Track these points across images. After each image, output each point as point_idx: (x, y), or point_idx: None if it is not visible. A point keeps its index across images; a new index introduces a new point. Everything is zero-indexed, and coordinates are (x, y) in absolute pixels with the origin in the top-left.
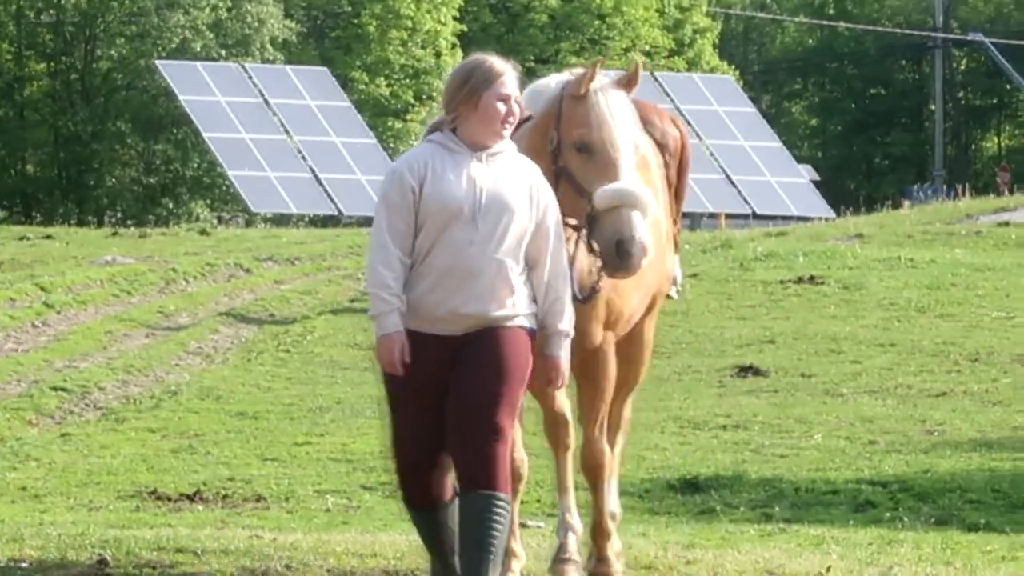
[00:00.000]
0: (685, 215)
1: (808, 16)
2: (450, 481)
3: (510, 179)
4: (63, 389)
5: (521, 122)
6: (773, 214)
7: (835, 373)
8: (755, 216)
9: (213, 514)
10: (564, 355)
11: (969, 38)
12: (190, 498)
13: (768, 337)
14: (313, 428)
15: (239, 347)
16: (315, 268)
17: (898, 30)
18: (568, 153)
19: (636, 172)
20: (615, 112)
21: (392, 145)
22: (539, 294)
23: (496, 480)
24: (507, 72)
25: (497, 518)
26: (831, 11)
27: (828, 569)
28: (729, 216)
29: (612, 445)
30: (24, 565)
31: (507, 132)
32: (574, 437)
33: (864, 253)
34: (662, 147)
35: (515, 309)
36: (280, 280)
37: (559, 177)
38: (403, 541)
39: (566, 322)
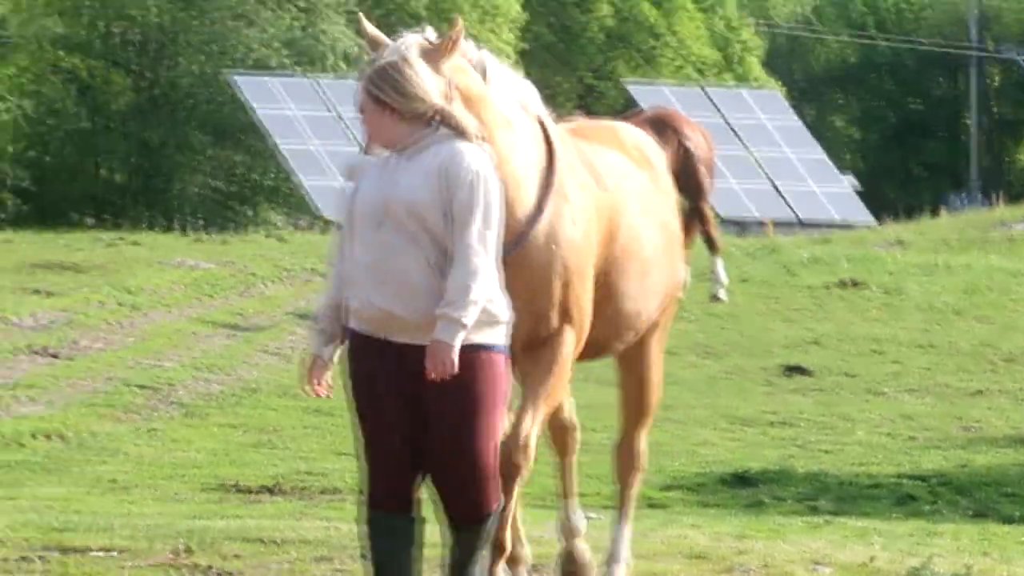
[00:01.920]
0: (735, 223)
1: (849, 32)
2: (417, 493)
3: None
4: (148, 387)
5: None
6: (817, 221)
7: (877, 373)
8: (800, 223)
9: (291, 506)
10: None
11: (1002, 55)
12: (269, 490)
13: (813, 338)
14: None
15: None
16: None
17: (935, 47)
18: None
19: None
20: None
21: None
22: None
23: (482, 513)
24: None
25: (483, 538)
26: (871, 27)
27: (872, 559)
28: (776, 223)
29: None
30: (114, 554)
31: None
32: (578, 440)
33: (904, 259)
34: (696, 157)
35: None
36: None
37: None
38: None
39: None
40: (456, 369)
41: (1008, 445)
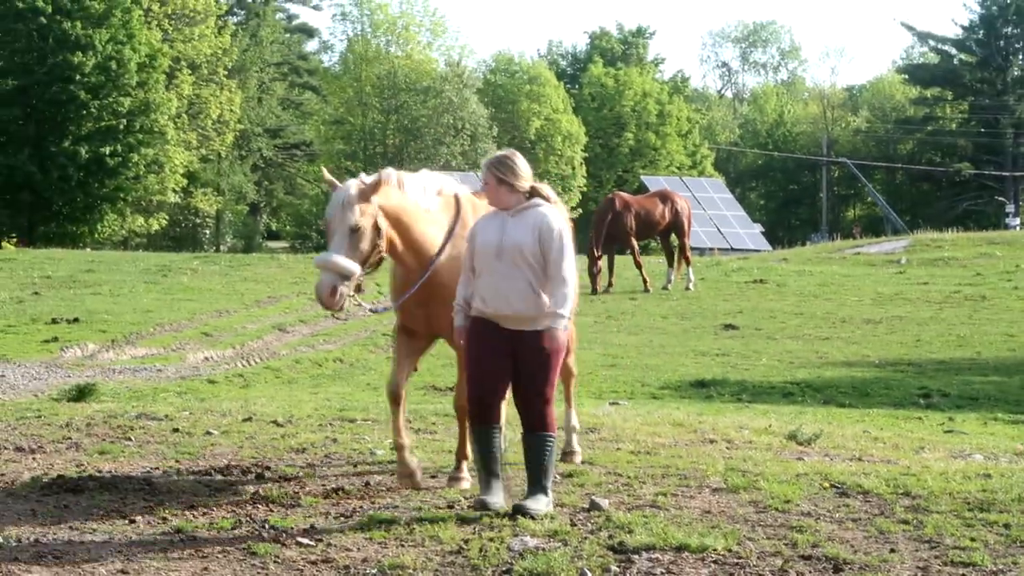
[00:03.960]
0: (697, 250)
1: (757, 148)
2: (502, 412)
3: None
4: (387, 334)
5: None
6: (742, 248)
7: (772, 328)
8: (732, 249)
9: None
10: (559, 327)
11: (838, 160)
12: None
13: (738, 310)
14: None
15: None
16: None
17: (804, 155)
18: None
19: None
20: (333, 207)
21: None
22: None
23: (545, 425)
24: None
25: (547, 448)
26: (770, 146)
27: (770, 426)
28: (719, 250)
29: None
30: (369, 421)
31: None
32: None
33: (787, 268)
34: (682, 214)
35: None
36: None
37: None
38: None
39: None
40: (560, 343)
41: (842, 366)
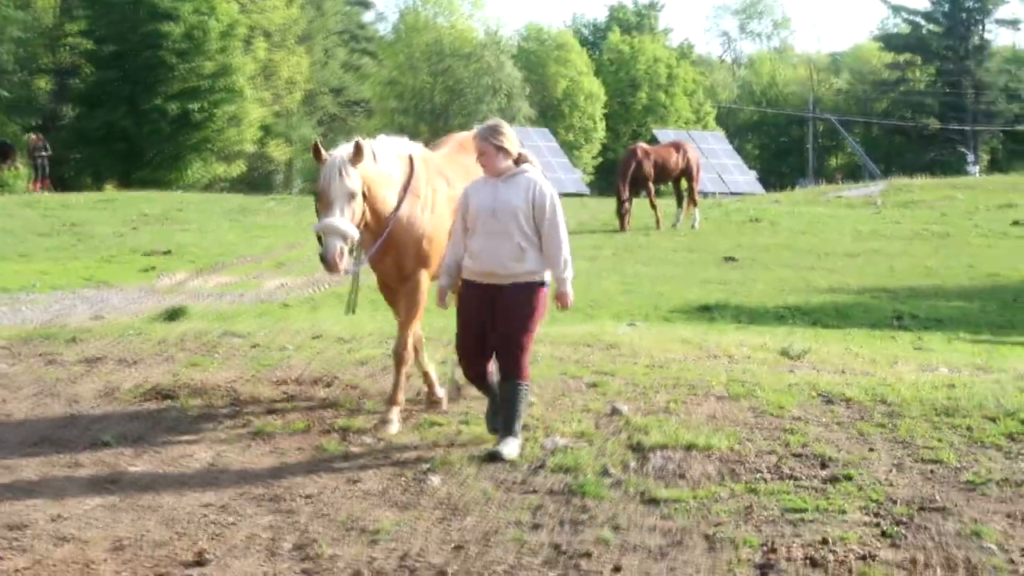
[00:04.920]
0: (703, 194)
1: (753, 105)
2: (490, 367)
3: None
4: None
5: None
6: (739, 192)
7: (767, 260)
8: (731, 193)
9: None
10: (566, 288)
11: (823, 116)
12: None
13: (737, 245)
14: None
15: None
16: None
17: (793, 112)
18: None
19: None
20: (329, 175)
21: None
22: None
23: (519, 373)
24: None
25: (520, 395)
26: (763, 103)
27: (765, 343)
28: (720, 193)
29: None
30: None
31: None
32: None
33: (778, 209)
34: (691, 162)
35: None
36: None
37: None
38: None
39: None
40: (570, 300)
41: (827, 293)
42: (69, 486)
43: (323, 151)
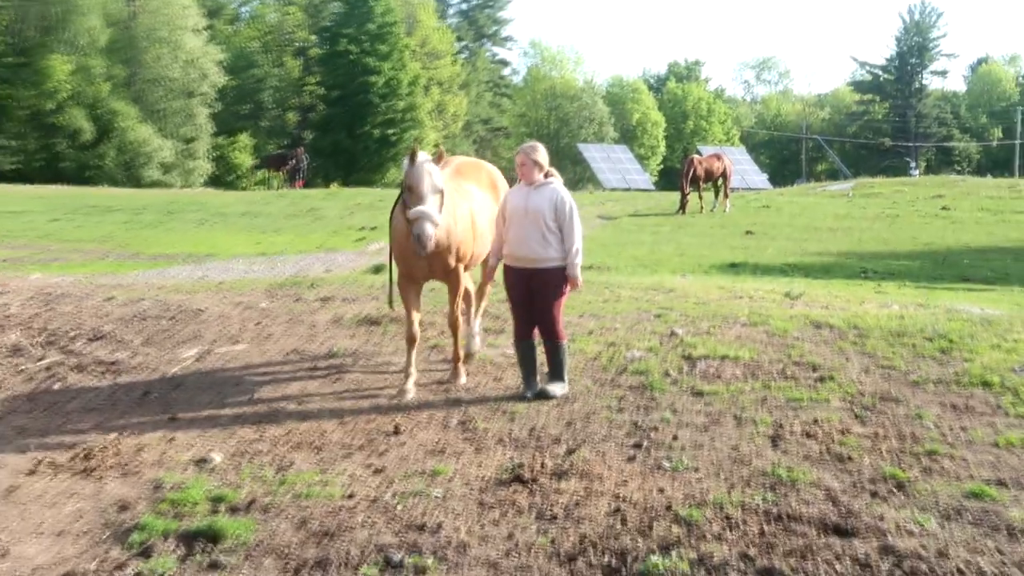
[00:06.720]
0: (734, 189)
1: (764, 130)
2: (535, 331)
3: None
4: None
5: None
6: (756, 188)
7: (775, 234)
8: (750, 189)
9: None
10: (576, 273)
11: (813, 137)
12: None
13: (754, 223)
14: None
15: None
16: None
17: (792, 135)
18: (405, 191)
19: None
20: (421, 174)
21: None
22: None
23: (556, 335)
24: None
25: (560, 350)
26: (771, 129)
27: (773, 289)
28: (743, 189)
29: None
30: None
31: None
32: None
33: (781, 199)
34: (727, 167)
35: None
36: None
37: (402, 203)
38: None
39: (572, 257)
40: (579, 283)
41: (815, 255)
42: (310, 382)
43: (417, 155)
